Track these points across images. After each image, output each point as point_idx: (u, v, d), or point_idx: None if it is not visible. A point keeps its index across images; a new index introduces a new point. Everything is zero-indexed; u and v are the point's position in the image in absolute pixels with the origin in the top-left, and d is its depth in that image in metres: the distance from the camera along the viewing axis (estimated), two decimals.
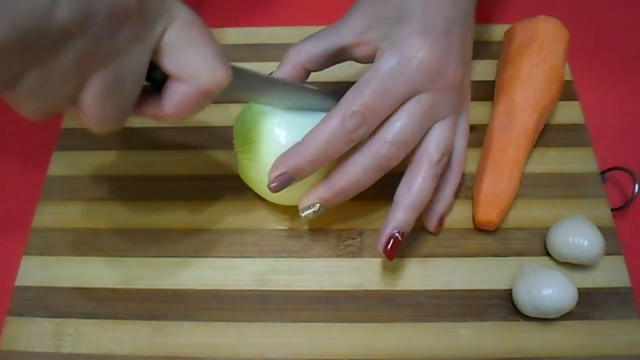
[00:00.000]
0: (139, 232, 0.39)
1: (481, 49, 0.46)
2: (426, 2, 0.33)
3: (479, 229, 0.38)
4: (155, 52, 0.25)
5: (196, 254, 0.38)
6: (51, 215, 0.40)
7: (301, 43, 0.37)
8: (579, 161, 0.41)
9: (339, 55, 0.36)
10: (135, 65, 0.24)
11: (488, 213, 0.37)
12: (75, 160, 0.42)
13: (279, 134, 0.34)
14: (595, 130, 0.42)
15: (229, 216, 0.39)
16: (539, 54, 0.40)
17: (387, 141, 0.32)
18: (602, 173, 0.40)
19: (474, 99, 0.43)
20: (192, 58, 0.25)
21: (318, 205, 0.34)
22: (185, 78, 0.26)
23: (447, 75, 0.33)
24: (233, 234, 0.39)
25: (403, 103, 0.32)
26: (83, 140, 0.43)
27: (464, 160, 0.38)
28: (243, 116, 0.37)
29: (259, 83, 0.33)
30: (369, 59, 0.33)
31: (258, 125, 0.35)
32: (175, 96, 0.26)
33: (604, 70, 0.47)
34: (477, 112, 0.43)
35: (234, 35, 0.48)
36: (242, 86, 0.31)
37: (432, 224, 0.37)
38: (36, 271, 0.37)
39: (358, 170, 0.33)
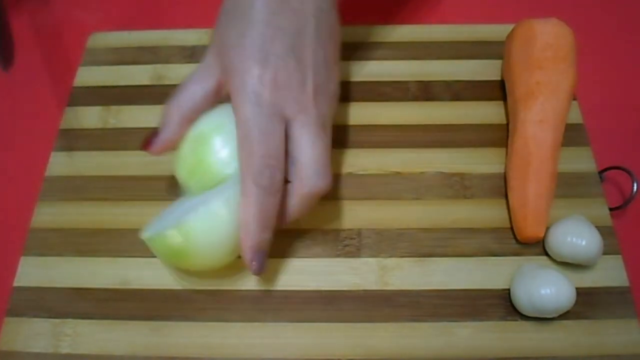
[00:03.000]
0: (137, 232, 0.39)
1: (482, 48, 0.47)
2: (260, 26, 0.31)
3: (478, 229, 0.38)
4: None
5: None
6: (50, 215, 0.40)
7: (177, 98, 0.34)
8: (577, 160, 0.41)
9: (219, 94, 0.34)
10: None
11: (538, 230, 0.36)
12: (74, 160, 0.42)
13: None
14: (593, 130, 0.42)
15: None
16: (565, 62, 0.39)
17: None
18: (601, 172, 0.40)
19: (476, 98, 0.43)
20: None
21: (257, 254, 0.32)
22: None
23: (303, 92, 0.32)
24: None
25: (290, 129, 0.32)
26: (82, 140, 0.43)
27: (310, 173, 0.32)
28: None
29: None
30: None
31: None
32: None
33: (601, 69, 0.47)
34: (480, 112, 0.43)
35: None
36: None
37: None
38: (34, 272, 0.37)
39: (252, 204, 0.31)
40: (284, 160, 0.32)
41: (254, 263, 0.32)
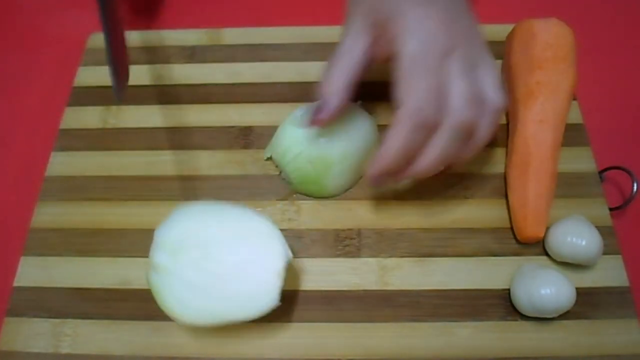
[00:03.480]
0: (137, 232, 0.39)
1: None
2: None
3: (478, 229, 0.38)
4: None
5: None
6: (49, 215, 0.40)
7: (336, 66, 0.35)
8: (577, 160, 0.41)
9: (372, 52, 0.35)
10: None
11: (538, 230, 0.37)
12: (74, 160, 0.42)
13: None
14: (593, 130, 0.42)
15: None
16: (565, 62, 0.39)
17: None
18: (601, 172, 0.40)
19: None
20: None
21: (378, 178, 0.34)
22: None
23: (455, 29, 0.33)
24: None
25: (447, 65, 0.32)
26: (81, 140, 0.43)
27: (460, 104, 0.32)
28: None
29: None
30: (388, 52, 0.33)
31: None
32: None
33: (601, 69, 0.47)
34: None
35: (233, 35, 0.48)
36: None
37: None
38: (34, 272, 0.37)
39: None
40: (444, 98, 0.32)
41: (373, 182, 0.34)
